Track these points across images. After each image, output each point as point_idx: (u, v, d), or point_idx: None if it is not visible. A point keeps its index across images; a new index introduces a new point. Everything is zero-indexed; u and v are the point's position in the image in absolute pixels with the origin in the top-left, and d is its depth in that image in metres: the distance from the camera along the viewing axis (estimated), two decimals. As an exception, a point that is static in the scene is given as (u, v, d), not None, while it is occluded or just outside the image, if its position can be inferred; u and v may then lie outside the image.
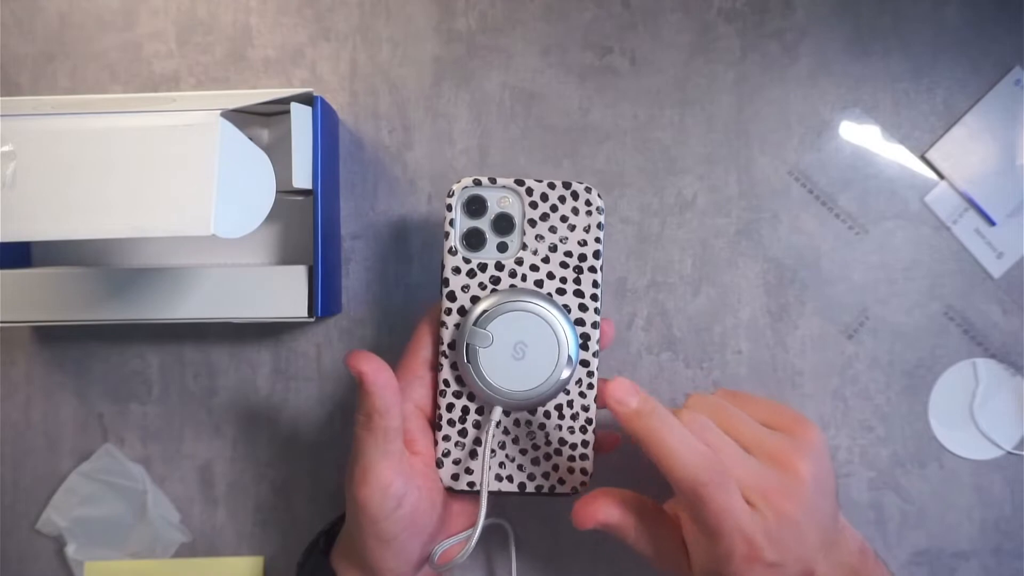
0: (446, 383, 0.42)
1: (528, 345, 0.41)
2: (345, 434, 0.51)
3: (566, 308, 0.42)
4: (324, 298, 0.46)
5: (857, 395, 0.51)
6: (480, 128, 0.51)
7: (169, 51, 0.51)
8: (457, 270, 0.42)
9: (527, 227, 0.42)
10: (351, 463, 0.41)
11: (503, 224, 0.42)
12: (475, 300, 0.42)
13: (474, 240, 0.42)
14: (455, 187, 0.42)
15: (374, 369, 0.39)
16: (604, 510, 0.41)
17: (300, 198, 0.47)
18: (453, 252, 0.42)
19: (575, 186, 0.42)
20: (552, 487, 0.43)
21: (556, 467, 0.43)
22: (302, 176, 0.45)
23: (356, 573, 0.42)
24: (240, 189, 0.36)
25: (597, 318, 0.42)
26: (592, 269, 0.42)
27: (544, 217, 0.42)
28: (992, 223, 0.51)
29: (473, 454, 0.43)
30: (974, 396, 0.51)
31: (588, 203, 0.42)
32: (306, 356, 0.51)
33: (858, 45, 0.51)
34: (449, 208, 0.42)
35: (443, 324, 0.42)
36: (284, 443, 0.51)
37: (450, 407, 0.42)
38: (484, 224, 0.42)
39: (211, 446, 0.52)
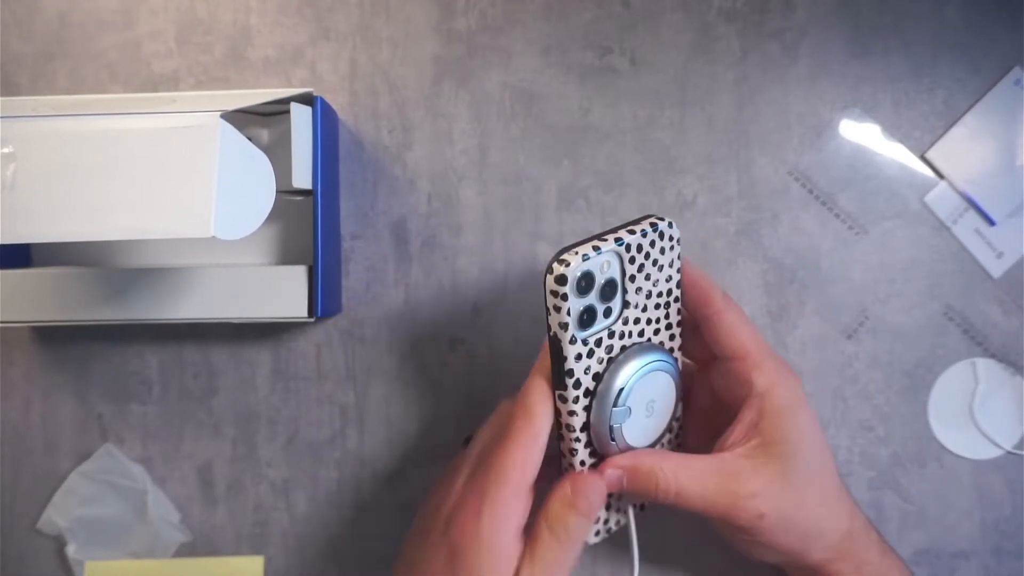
0: (583, 463, 0.41)
1: (656, 400, 0.41)
2: (345, 433, 0.51)
3: (661, 345, 0.42)
4: (324, 298, 0.46)
5: (857, 395, 0.51)
6: (480, 128, 0.51)
7: (169, 51, 0.51)
8: (579, 357, 0.38)
9: (628, 284, 0.39)
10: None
11: (608, 291, 0.38)
12: (597, 377, 0.39)
13: (587, 318, 0.38)
14: (565, 271, 0.36)
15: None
16: None
17: (300, 198, 0.47)
18: (574, 341, 0.37)
19: (661, 225, 0.39)
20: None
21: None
22: (302, 176, 0.45)
23: None
24: (240, 191, 0.36)
25: (681, 340, 0.43)
26: (676, 299, 0.42)
27: (641, 268, 0.39)
28: (992, 223, 0.51)
29: (608, 506, 0.43)
30: (974, 396, 0.51)
31: (671, 238, 0.40)
32: (306, 356, 0.51)
33: (858, 45, 0.51)
34: (563, 297, 0.36)
35: (572, 413, 0.39)
36: (284, 443, 0.51)
37: None
38: (593, 298, 0.38)
39: (211, 446, 0.52)
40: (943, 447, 0.51)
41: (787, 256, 0.51)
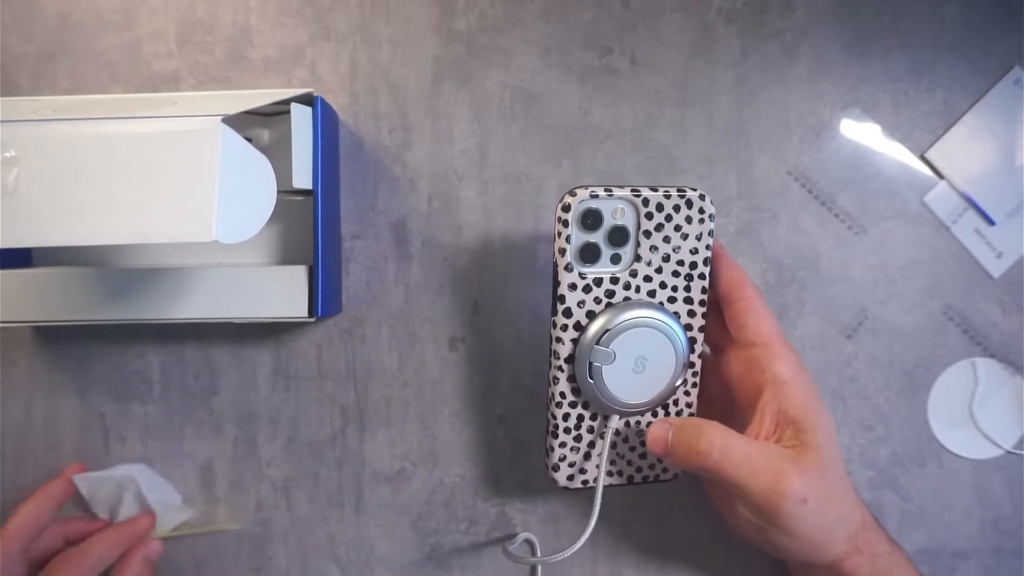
0: (562, 395, 0.42)
1: (648, 359, 0.42)
2: (345, 433, 0.51)
3: (676, 315, 0.42)
4: (324, 298, 0.46)
5: (856, 395, 0.51)
6: (480, 128, 0.51)
7: (169, 51, 0.51)
8: (573, 286, 0.41)
9: (641, 238, 0.41)
10: None
11: (618, 237, 0.41)
12: (591, 315, 0.41)
13: (589, 254, 0.41)
14: (571, 200, 0.40)
15: None
16: None
17: (300, 198, 0.47)
18: (569, 269, 0.40)
19: (690, 194, 0.41)
20: (656, 476, 0.45)
21: (660, 459, 0.44)
22: (302, 176, 0.45)
23: None
24: (241, 194, 0.36)
25: (703, 322, 0.43)
26: (702, 276, 0.42)
27: (659, 228, 0.41)
28: (992, 223, 0.51)
29: (587, 456, 0.44)
30: (973, 396, 0.51)
31: (701, 211, 0.41)
32: (306, 356, 0.51)
33: (858, 45, 0.51)
34: (564, 224, 0.40)
35: (559, 340, 0.41)
36: (284, 443, 0.52)
37: (566, 416, 0.43)
38: (599, 237, 0.41)
39: (211, 446, 0.52)
40: (943, 447, 0.51)
41: (787, 256, 0.51)
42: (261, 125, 0.47)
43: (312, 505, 0.52)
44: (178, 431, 0.52)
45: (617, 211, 0.40)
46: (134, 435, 0.52)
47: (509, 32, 0.51)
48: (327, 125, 0.47)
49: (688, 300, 0.42)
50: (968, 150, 0.50)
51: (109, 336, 0.52)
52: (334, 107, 0.50)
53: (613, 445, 0.44)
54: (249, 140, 0.38)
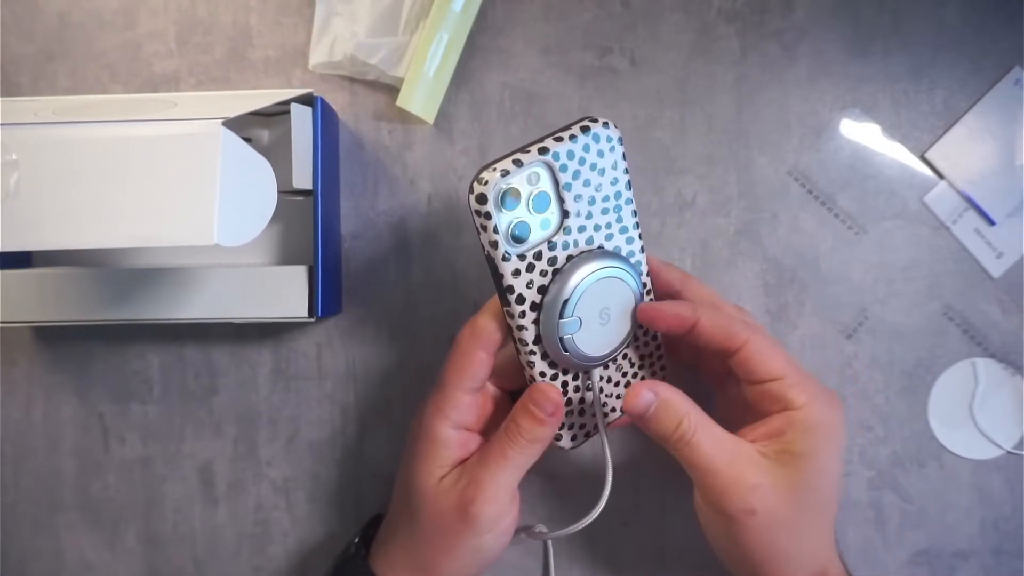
0: (542, 374, 0.41)
1: (610, 307, 0.41)
2: (345, 433, 0.51)
3: (617, 251, 0.41)
4: (324, 298, 0.46)
5: (856, 395, 0.51)
6: (480, 128, 0.51)
7: (169, 51, 0.51)
8: (517, 272, 0.38)
9: (563, 193, 0.38)
10: (471, 471, 0.41)
11: (540, 203, 0.38)
12: (543, 290, 0.39)
13: (519, 233, 0.38)
14: (484, 189, 0.36)
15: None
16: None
17: (300, 198, 0.47)
18: (507, 258, 0.38)
19: (594, 128, 0.39)
20: None
21: (643, 379, 0.45)
22: (302, 176, 0.45)
23: None
24: (242, 197, 0.36)
25: (642, 242, 0.42)
26: (628, 201, 0.40)
27: (576, 175, 0.39)
28: (992, 223, 0.51)
29: (582, 412, 0.44)
30: (974, 396, 0.51)
31: (609, 139, 0.39)
32: (306, 356, 0.51)
33: (858, 45, 0.51)
34: (486, 215, 0.37)
35: (521, 328, 0.39)
36: (284, 443, 0.52)
37: None
38: (522, 212, 0.38)
39: (211, 446, 0.52)
40: (943, 447, 0.51)
41: (786, 256, 0.51)
42: (261, 125, 0.47)
43: (312, 505, 0.52)
44: (178, 431, 0.52)
45: (532, 176, 0.38)
46: (134, 435, 0.52)
47: (509, 32, 0.51)
48: (327, 125, 0.47)
49: (623, 229, 0.41)
50: (968, 150, 0.50)
51: (109, 336, 0.52)
52: (334, 107, 0.50)
53: (600, 390, 0.43)
54: (249, 140, 0.38)
